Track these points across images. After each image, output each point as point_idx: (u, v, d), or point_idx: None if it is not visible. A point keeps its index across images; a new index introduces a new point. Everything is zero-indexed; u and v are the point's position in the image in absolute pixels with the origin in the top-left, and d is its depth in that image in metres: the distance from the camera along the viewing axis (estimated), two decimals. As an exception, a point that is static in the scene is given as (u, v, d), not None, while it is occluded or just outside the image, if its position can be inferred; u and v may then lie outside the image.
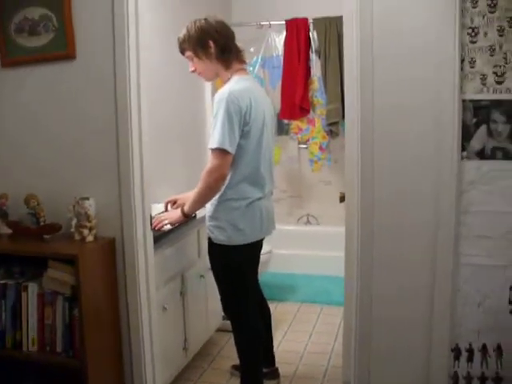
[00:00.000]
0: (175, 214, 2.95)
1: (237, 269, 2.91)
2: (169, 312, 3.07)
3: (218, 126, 2.66)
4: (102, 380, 2.53)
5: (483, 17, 2.18)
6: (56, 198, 2.61)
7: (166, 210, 3.11)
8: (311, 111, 5.29)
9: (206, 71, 2.89)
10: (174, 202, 3.16)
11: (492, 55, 2.17)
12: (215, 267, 2.97)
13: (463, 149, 2.24)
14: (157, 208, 3.32)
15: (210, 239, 2.90)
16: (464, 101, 2.21)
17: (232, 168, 2.77)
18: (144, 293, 2.64)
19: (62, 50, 2.55)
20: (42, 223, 2.56)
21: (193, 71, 2.92)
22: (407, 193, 2.32)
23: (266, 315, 3.34)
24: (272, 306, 4.36)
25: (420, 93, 2.26)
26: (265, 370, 3.27)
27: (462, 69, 2.20)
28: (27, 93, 2.67)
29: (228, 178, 2.77)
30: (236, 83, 2.78)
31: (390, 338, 2.41)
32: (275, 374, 3.37)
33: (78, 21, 2.54)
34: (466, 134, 2.23)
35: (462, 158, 2.24)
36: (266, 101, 2.99)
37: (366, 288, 2.41)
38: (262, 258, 3.99)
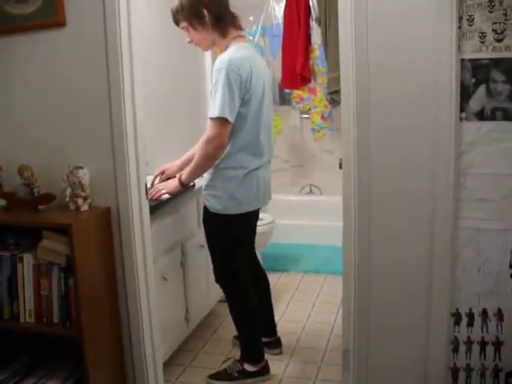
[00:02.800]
0: (173, 183, 2.94)
1: (232, 237, 2.90)
2: (169, 282, 3.07)
3: (217, 94, 2.63)
4: (100, 351, 2.51)
5: (482, -28, 2.10)
6: (50, 168, 2.57)
7: (152, 184, 3.09)
8: (312, 80, 5.22)
9: (203, 41, 2.86)
10: (162, 173, 3.14)
11: (491, 12, 2.09)
12: (210, 235, 2.97)
13: (462, 110, 2.18)
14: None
15: (205, 207, 2.89)
16: (462, 60, 2.14)
17: (231, 137, 2.74)
18: (141, 262, 2.61)
19: (52, 17, 2.48)
20: (36, 194, 2.53)
21: (189, 42, 2.88)
22: (404, 156, 2.26)
23: (264, 285, 3.34)
24: (275, 277, 4.40)
25: (416, 52, 2.18)
26: (266, 340, 3.30)
27: (459, 27, 2.12)
28: (16, 63, 2.61)
29: (228, 145, 2.74)
30: (236, 51, 2.74)
31: (388, 306, 2.38)
32: (277, 343, 3.38)
33: (67, -14, 2.48)
34: (465, 95, 2.17)
35: (461, 119, 2.18)
36: (265, 69, 2.95)
37: (364, 257, 2.37)
38: (265, 228, 4.01)
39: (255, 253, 3.33)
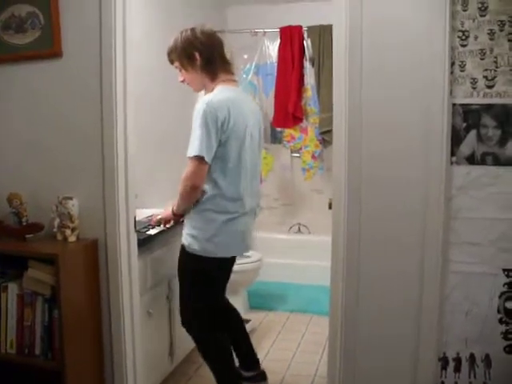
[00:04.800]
0: (167, 211, 2.94)
1: (204, 279, 2.88)
2: (154, 317, 3.03)
3: (195, 134, 2.67)
4: (81, 380, 2.47)
5: (473, 20, 2.14)
6: (39, 198, 2.57)
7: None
8: (304, 119, 5.26)
9: (193, 82, 2.90)
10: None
11: (482, 59, 2.14)
12: (183, 274, 2.93)
13: (452, 153, 2.20)
14: (144, 213, 3.28)
15: (182, 246, 2.87)
16: (454, 105, 2.18)
17: (211, 180, 2.75)
18: (127, 296, 2.59)
19: (48, 47, 2.51)
20: (24, 223, 2.52)
21: (182, 81, 2.92)
22: (395, 199, 2.28)
23: (237, 321, 3.33)
24: (261, 315, 4.36)
25: (409, 99, 2.22)
26: (250, 374, 3.26)
27: (451, 72, 2.16)
28: (9, 92, 2.62)
29: (208, 189, 2.75)
30: (218, 93, 2.77)
31: (375, 350, 2.36)
32: (262, 376, 3.33)
33: (65, 18, 2.50)
34: (456, 139, 2.20)
35: (452, 162, 2.20)
36: (251, 113, 2.93)
37: (352, 299, 2.36)
38: (252, 266, 3.99)
39: (224, 294, 3.30)
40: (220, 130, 2.67)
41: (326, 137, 5.13)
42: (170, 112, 4.10)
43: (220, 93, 2.76)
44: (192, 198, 2.77)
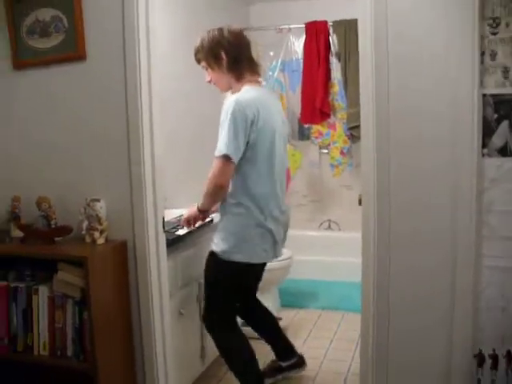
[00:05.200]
0: (192, 209, 2.91)
1: (233, 284, 2.87)
2: (185, 318, 3.02)
3: (222, 133, 2.64)
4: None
5: (505, 7, 2.08)
6: (67, 201, 2.58)
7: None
8: (332, 115, 5.21)
9: (219, 81, 2.88)
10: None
11: (514, 47, 2.08)
12: (210, 279, 2.92)
13: (484, 145, 2.15)
14: (173, 213, 3.28)
15: (211, 250, 2.85)
16: (484, 95, 2.12)
17: (241, 186, 2.73)
18: (157, 297, 2.59)
19: (73, 50, 2.52)
20: (53, 226, 2.53)
21: (209, 81, 2.91)
22: (425, 193, 2.23)
23: (268, 318, 3.36)
24: (292, 313, 4.34)
25: (438, 91, 2.17)
26: (289, 363, 3.34)
27: (482, 62, 2.11)
28: (35, 97, 2.65)
29: (239, 194, 2.74)
30: (245, 92, 2.75)
31: (408, 346, 2.32)
32: (302, 360, 3.39)
33: (89, 22, 2.51)
34: (487, 130, 2.14)
35: (483, 155, 2.15)
36: (278, 113, 2.92)
37: (383, 295, 2.32)
38: (283, 264, 3.96)
39: (255, 295, 3.33)
40: (249, 129, 2.64)
41: (354, 132, 5.07)
42: (198, 114, 4.11)
43: (248, 92, 2.74)
44: (217, 196, 2.76)
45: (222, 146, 2.62)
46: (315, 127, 5.34)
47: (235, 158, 2.63)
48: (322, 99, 5.07)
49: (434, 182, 2.21)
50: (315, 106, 5.09)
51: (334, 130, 5.30)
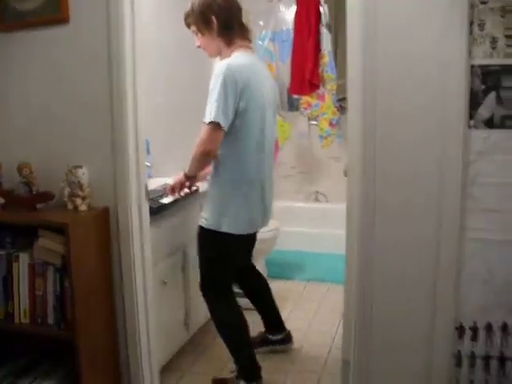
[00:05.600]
0: (178, 176, 2.89)
1: (224, 254, 2.87)
2: (169, 286, 3.02)
3: (212, 99, 2.60)
4: (95, 353, 2.47)
5: (495, -25, 2.04)
6: (49, 167, 2.54)
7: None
8: (321, 86, 5.17)
9: (209, 46, 2.84)
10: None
11: (503, 16, 2.03)
12: (202, 249, 2.91)
13: (471, 117, 2.12)
14: (159, 182, 3.26)
15: (202, 221, 2.84)
16: (472, 66, 2.08)
17: (231, 155, 2.71)
18: (139, 265, 2.57)
19: (55, 13, 2.45)
20: (34, 192, 2.49)
21: (198, 46, 2.87)
22: (411, 165, 2.20)
23: (264, 287, 3.38)
24: (278, 284, 4.34)
25: (425, 60, 2.12)
26: (279, 337, 3.39)
27: (470, 32, 2.07)
28: (17, 60, 2.58)
29: (228, 164, 2.72)
30: (236, 57, 2.70)
31: (390, 318, 2.31)
32: (288, 337, 3.43)
33: (72, -18, 2.44)
34: (474, 102, 2.11)
35: (470, 126, 2.12)
36: (268, 81, 2.89)
37: (367, 267, 2.30)
38: (269, 234, 3.95)
39: (251, 262, 3.36)
40: (239, 95, 2.60)
41: (343, 103, 5.01)
42: (184, 81, 4.04)
43: (238, 58, 2.70)
44: (204, 163, 2.75)
45: (211, 113, 2.58)
46: (304, 98, 5.31)
47: (224, 125, 2.59)
48: (311, 70, 5.01)
49: (420, 154, 2.18)
50: (305, 77, 5.03)
51: (323, 101, 5.27)
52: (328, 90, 5.20)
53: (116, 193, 2.49)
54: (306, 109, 5.36)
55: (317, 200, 5.61)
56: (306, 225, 5.16)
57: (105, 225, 2.51)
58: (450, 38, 2.06)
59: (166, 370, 3.06)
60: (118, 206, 2.50)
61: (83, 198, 2.46)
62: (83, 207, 2.46)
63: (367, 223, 2.27)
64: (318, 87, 5.14)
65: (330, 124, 5.29)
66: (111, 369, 2.63)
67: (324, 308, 4.07)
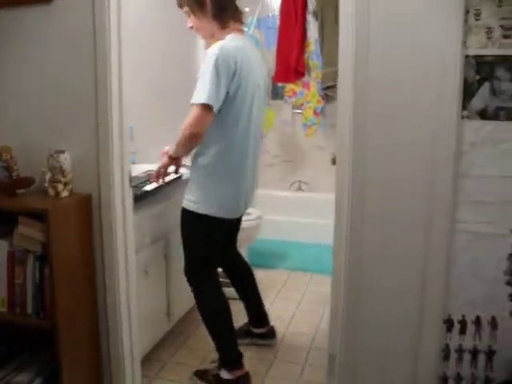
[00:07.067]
0: (162, 160, 2.84)
1: (208, 238, 2.83)
2: (151, 275, 2.96)
3: (203, 81, 2.53)
4: (75, 343, 2.41)
5: (492, -37, 2.00)
6: (30, 151, 2.46)
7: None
8: (306, 74, 5.11)
9: (202, 29, 2.77)
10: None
11: (500, 6, 1.99)
12: (186, 234, 2.86)
13: (464, 108, 2.08)
14: (143, 168, 3.19)
15: (185, 205, 2.80)
16: (467, 56, 2.04)
17: (214, 136, 2.65)
18: (122, 253, 2.51)
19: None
20: (14, 177, 2.41)
21: (190, 27, 2.80)
22: (402, 154, 2.16)
23: (249, 277, 3.33)
24: (261, 273, 4.27)
25: (419, 49, 2.07)
26: (261, 331, 3.33)
27: (466, 21, 2.02)
28: (7, 38, 2.48)
29: (209, 143, 2.66)
30: (230, 40, 2.64)
31: (378, 311, 2.28)
32: (272, 332, 3.37)
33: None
34: (468, 92, 2.07)
35: (463, 117, 2.09)
36: (259, 67, 2.84)
37: (356, 258, 2.26)
38: (252, 223, 3.91)
39: (236, 249, 3.31)
40: (231, 78, 2.55)
41: (329, 92, 4.98)
42: (172, 66, 3.96)
43: (232, 41, 2.64)
44: (191, 146, 2.69)
45: (201, 94, 2.52)
46: (289, 86, 5.26)
47: (215, 108, 2.54)
48: (297, 58, 4.95)
49: (412, 144, 2.14)
50: (290, 65, 4.96)
51: (308, 90, 5.22)
52: (313, 78, 5.14)
53: (99, 179, 2.42)
54: (290, 97, 5.31)
55: (300, 189, 5.57)
56: (288, 214, 5.12)
57: (87, 212, 2.44)
58: (445, 27, 2.02)
59: (147, 360, 3.01)
60: (100, 193, 2.43)
61: (65, 184, 2.39)
62: (65, 193, 2.39)
63: (357, 214, 2.22)
64: (303, 75, 5.08)
65: (315, 113, 5.24)
66: (92, 359, 2.57)
67: (307, 298, 4.04)
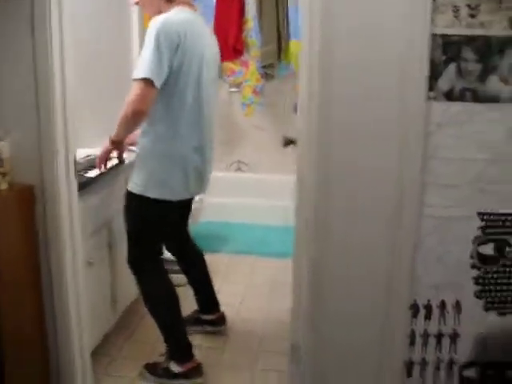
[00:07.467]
0: (104, 145, 2.69)
1: (157, 222, 2.73)
2: (95, 266, 2.81)
3: (144, 55, 2.41)
4: (20, 342, 2.27)
5: None
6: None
7: None
8: (245, 52, 5.00)
9: (148, 4, 2.66)
10: None
11: (467, -17, 1.94)
12: (131, 218, 2.75)
13: (431, 89, 2.02)
14: (82, 153, 3.00)
15: (130, 189, 2.67)
16: (434, 35, 1.98)
17: (160, 113, 2.54)
18: (69, 246, 2.35)
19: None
20: None
21: (136, 3, 2.68)
22: (368, 135, 2.08)
23: (200, 263, 3.23)
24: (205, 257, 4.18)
25: (386, 27, 1.99)
26: (211, 317, 3.24)
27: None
28: None
29: (155, 121, 2.55)
30: (174, 14, 2.52)
31: (344, 297, 2.22)
32: (222, 319, 3.28)
33: None
34: (434, 73, 2.01)
35: (429, 98, 2.03)
36: (208, 40, 2.72)
37: (319, 242, 2.17)
38: (194, 206, 3.78)
39: (187, 233, 3.22)
40: (174, 51, 2.43)
41: (267, 70, 4.91)
42: (111, 44, 3.74)
43: (177, 14, 2.52)
44: (134, 125, 2.55)
45: (143, 69, 2.39)
46: (227, 65, 5.12)
47: (157, 83, 2.41)
48: (235, 36, 4.86)
49: (380, 127, 2.07)
50: (228, 43, 4.85)
51: (247, 68, 5.11)
52: (252, 56, 5.04)
53: (42, 169, 2.24)
54: (229, 76, 5.18)
55: (239, 169, 5.47)
56: (229, 195, 5.00)
57: (29, 204, 2.26)
58: (414, 3, 1.94)
59: (95, 354, 2.86)
60: (44, 184, 2.26)
61: (3, 175, 2.20)
62: (3, 185, 2.20)
63: (322, 200, 2.13)
64: (241, 53, 4.98)
65: (254, 91, 5.15)
66: (38, 357, 2.42)
67: (254, 282, 3.97)
